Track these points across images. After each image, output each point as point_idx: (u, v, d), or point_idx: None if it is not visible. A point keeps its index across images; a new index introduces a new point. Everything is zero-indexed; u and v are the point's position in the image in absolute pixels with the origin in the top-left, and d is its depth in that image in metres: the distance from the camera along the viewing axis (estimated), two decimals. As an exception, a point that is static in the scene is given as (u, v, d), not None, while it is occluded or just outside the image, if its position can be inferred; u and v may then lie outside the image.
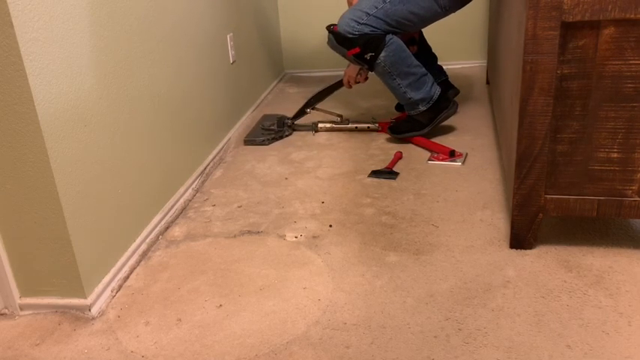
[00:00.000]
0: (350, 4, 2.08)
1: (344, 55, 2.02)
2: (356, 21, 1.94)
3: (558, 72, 1.21)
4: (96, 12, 1.31)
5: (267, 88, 2.85)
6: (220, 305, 1.28)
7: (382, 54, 1.95)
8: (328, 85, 2.30)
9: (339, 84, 2.27)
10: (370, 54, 1.96)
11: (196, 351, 1.15)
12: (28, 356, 1.18)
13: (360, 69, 2.14)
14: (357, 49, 1.96)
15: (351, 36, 1.94)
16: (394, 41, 1.96)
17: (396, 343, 1.12)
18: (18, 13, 1.06)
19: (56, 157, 1.17)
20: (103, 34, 1.34)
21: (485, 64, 2.78)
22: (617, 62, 1.19)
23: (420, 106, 2.04)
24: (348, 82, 2.19)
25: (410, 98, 2.03)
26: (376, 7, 1.93)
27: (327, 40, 2.03)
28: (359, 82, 2.20)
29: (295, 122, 2.32)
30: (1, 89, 1.10)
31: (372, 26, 1.94)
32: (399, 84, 2.02)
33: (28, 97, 1.10)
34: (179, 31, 1.77)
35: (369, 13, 1.93)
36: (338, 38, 1.97)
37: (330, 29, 2.00)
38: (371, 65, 2.00)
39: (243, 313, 1.25)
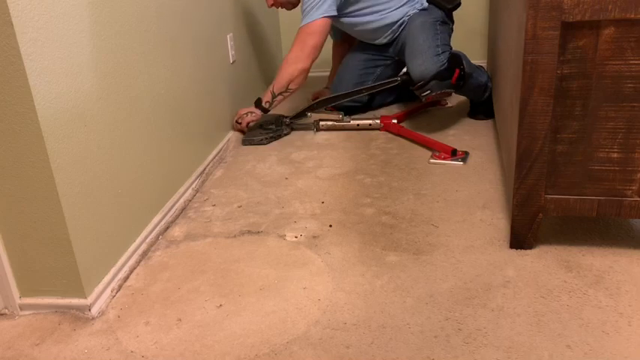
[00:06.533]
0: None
1: (446, 88, 2.06)
2: (437, 55, 2.03)
3: (558, 72, 1.21)
4: (96, 12, 1.31)
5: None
6: (220, 305, 1.28)
7: (464, 62, 2.07)
8: (335, 94, 2.29)
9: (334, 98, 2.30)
10: (461, 66, 2.06)
11: (196, 351, 1.15)
12: (28, 356, 1.18)
13: (251, 110, 2.22)
14: (457, 70, 2.04)
15: (444, 67, 2.02)
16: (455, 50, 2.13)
17: (396, 343, 1.12)
18: (18, 13, 1.06)
19: (56, 157, 1.17)
20: (103, 34, 1.34)
21: (485, 64, 2.78)
22: (617, 62, 1.18)
23: (489, 83, 2.21)
24: (238, 122, 2.24)
25: (486, 83, 2.20)
26: (437, 38, 2.09)
27: (422, 99, 2.10)
28: (250, 122, 2.24)
29: (294, 121, 2.32)
30: (1, 89, 1.10)
31: (447, 51, 2.08)
32: (476, 76, 2.13)
33: (28, 97, 1.10)
34: (179, 31, 1.77)
35: (437, 45, 2.06)
36: (439, 78, 2.01)
37: (422, 83, 2.03)
38: (464, 77, 2.07)
39: (243, 313, 1.25)
